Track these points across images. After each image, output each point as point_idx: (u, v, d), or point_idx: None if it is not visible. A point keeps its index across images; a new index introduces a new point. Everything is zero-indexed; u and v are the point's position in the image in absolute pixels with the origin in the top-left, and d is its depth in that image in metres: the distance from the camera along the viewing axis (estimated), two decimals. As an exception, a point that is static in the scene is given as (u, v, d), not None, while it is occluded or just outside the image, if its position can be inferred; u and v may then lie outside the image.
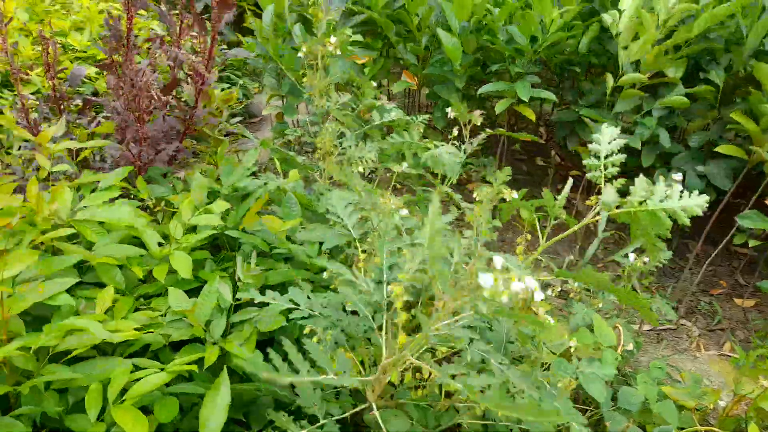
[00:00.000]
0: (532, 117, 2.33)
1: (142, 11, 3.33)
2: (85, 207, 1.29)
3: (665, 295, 2.27)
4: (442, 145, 1.47)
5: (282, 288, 1.33)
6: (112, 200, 1.36)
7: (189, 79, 1.56)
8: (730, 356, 2.00)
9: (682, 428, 1.43)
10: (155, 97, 1.31)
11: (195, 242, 1.34)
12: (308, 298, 1.20)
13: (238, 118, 2.38)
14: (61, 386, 1.02)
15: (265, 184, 1.55)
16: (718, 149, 2.04)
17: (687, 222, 0.91)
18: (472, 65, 2.52)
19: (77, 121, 1.60)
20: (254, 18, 2.44)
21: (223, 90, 2.46)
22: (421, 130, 1.80)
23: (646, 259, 1.55)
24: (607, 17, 2.17)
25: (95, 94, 2.63)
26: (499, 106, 2.37)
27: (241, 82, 3.29)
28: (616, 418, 1.42)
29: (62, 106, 1.50)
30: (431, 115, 2.61)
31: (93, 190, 1.38)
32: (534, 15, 2.20)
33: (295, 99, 2.43)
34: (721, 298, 2.30)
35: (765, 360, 1.60)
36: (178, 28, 1.50)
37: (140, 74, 1.28)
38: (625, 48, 2.16)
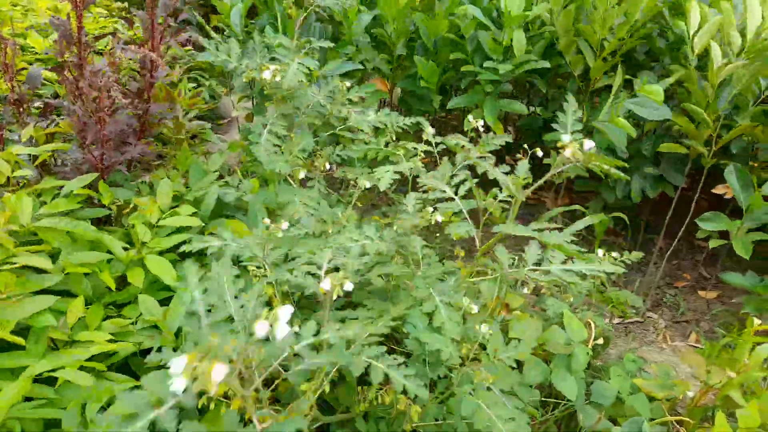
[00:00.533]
0: (501, 131, 2.36)
1: (102, 9, 3.24)
2: (48, 215, 1.25)
3: (632, 289, 2.33)
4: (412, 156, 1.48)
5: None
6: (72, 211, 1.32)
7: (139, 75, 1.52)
8: (695, 347, 2.06)
9: (653, 419, 1.46)
10: (116, 98, 1.27)
11: (166, 245, 1.31)
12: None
13: (206, 122, 2.34)
14: (41, 416, 0.98)
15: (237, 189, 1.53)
16: (661, 148, 2.12)
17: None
18: (447, 78, 2.54)
19: (38, 124, 1.54)
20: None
21: (190, 90, 2.42)
22: (393, 137, 1.80)
23: (615, 254, 1.59)
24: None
25: (56, 96, 2.55)
26: (467, 123, 2.40)
27: (208, 84, 3.23)
28: (588, 411, 1.45)
29: (22, 109, 1.44)
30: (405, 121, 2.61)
31: (55, 195, 1.33)
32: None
33: (266, 100, 2.40)
34: (686, 291, 2.37)
35: (729, 350, 1.65)
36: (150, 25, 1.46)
37: (99, 74, 1.24)
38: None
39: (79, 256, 1.22)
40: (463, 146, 1.54)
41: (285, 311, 0.73)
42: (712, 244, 2.02)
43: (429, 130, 1.74)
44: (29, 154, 1.48)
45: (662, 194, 2.39)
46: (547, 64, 2.28)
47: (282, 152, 1.55)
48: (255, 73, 1.45)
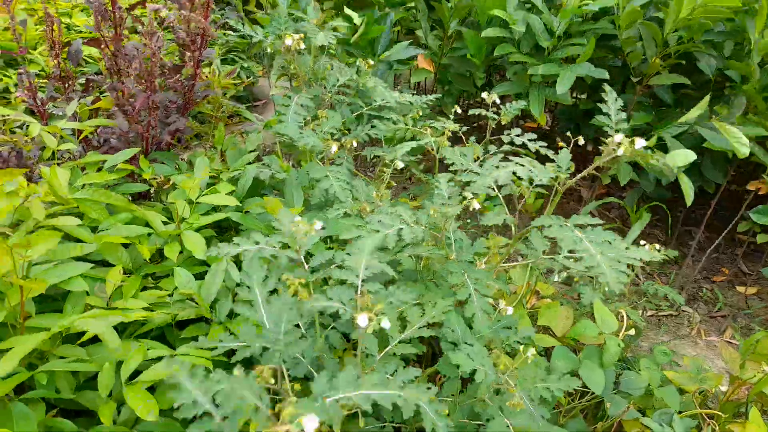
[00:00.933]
0: (544, 123, 2.30)
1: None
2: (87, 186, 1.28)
3: (667, 282, 2.28)
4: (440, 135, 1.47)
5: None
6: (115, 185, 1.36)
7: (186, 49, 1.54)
8: (730, 342, 2.01)
9: (682, 412, 1.44)
10: (166, 65, 1.30)
11: (204, 222, 1.34)
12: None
13: (243, 102, 2.37)
14: (74, 369, 1.02)
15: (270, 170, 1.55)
16: (706, 144, 2.04)
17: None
18: (493, 59, 2.49)
19: (81, 99, 1.59)
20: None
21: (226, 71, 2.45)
22: (421, 114, 1.78)
23: (658, 247, 1.55)
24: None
25: (98, 73, 2.62)
26: (506, 115, 2.35)
27: (245, 65, 3.27)
28: (616, 400, 1.43)
29: (67, 85, 1.49)
30: (439, 98, 2.58)
31: (98, 170, 1.38)
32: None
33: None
34: (723, 286, 2.31)
35: (758, 344, 1.61)
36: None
37: (154, 38, 1.26)
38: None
39: (121, 229, 1.26)
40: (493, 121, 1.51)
41: (310, 423, 0.70)
42: (761, 239, 1.95)
43: (451, 115, 1.71)
44: (73, 129, 1.53)
45: (701, 190, 2.32)
46: (605, 74, 2.16)
47: (312, 129, 1.56)
48: (277, 41, 1.42)
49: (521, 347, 1.19)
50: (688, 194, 1.54)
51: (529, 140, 1.40)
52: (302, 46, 1.41)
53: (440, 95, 2.35)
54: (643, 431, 1.35)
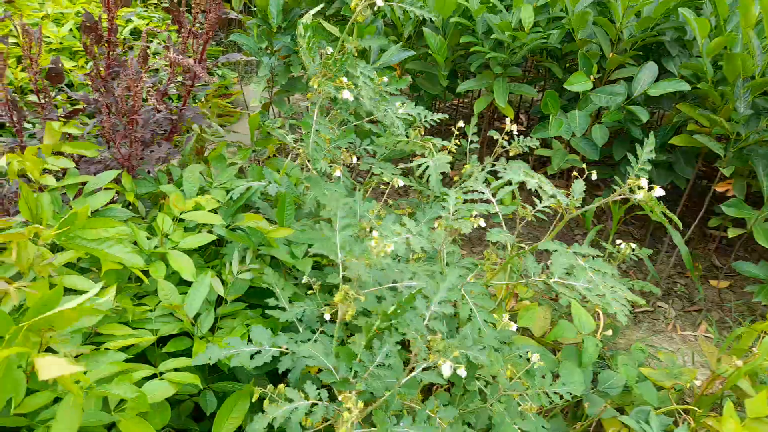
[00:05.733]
0: (511, 115, 2.37)
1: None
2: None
3: (642, 278, 2.34)
4: (438, 150, 1.48)
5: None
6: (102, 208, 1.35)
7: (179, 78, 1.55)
8: (706, 336, 2.08)
9: (660, 407, 1.49)
10: (153, 105, 1.31)
11: (192, 243, 1.34)
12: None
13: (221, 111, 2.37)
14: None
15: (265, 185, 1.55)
16: (674, 141, 2.12)
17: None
18: (455, 59, 2.54)
19: (62, 118, 1.58)
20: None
21: (216, 85, 2.45)
22: (422, 132, 1.80)
23: (633, 246, 1.60)
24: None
25: (69, 86, 2.59)
26: (478, 106, 2.41)
27: (220, 72, 3.26)
28: (595, 400, 1.48)
29: (44, 102, 1.48)
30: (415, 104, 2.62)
31: (79, 190, 1.37)
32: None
33: (289, 90, 2.43)
34: (697, 280, 2.38)
35: (740, 340, 1.67)
36: (186, 30, 1.49)
37: (137, 79, 1.27)
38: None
39: (111, 249, 1.24)
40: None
41: None
42: (732, 233, 2.02)
43: (467, 129, 1.73)
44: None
45: (673, 185, 2.39)
46: (533, 92, 2.34)
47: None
48: (325, 90, 1.37)
49: (528, 353, 1.25)
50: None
51: (539, 187, 1.44)
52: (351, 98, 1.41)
53: (415, 100, 2.38)
54: (622, 429, 1.40)
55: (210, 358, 1.09)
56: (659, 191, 1.14)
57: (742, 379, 1.48)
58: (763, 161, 1.99)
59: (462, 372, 0.92)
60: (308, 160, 1.51)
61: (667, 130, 2.31)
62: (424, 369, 0.98)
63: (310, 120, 1.28)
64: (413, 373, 0.98)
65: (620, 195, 1.19)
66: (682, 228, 2.30)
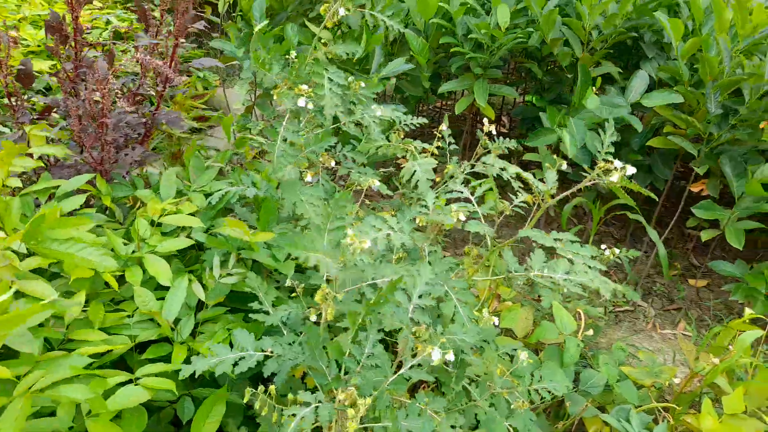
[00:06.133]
0: (492, 116, 2.39)
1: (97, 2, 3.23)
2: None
3: (623, 278, 2.36)
4: (421, 156, 1.48)
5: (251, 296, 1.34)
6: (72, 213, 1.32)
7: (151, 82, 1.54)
8: (685, 335, 2.11)
9: (640, 405, 1.51)
10: (121, 106, 1.29)
11: (170, 247, 1.32)
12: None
13: (201, 114, 2.34)
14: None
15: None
16: (651, 142, 2.15)
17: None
18: (438, 61, 2.56)
19: (36, 120, 1.55)
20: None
21: (184, 84, 2.42)
22: (402, 135, 1.79)
23: (617, 251, 1.61)
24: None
25: (48, 89, 2.55)
26: (459, 106, 2.42)
27: (201, 74, 3.23)
28: (576, 399, 1.49)
29: (16, 106, 1.45)
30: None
31: (50, 197, 1.35)
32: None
33: (267, 94, 2.41)
34: (676, 279, 2.41)
35: (717, 338, 1.69)
36: (155, 29, 1.47)
37: (104, 82, 1.25)
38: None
39: (83, 253, 1.22)
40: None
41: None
42: (705, 236, 2.04)
43: (445, 132, 1.73)
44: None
45: (652, 186, 2.42)
46: (514, 93, 2.38)
47: (290, 148, 1.54)
48: (288, 100, 1.36)
49: (516, 352, 1.26)
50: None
51: (510, 177, 1.45)
52: (311, 106, 1.39)
53: (400, 105, 2.38)
54: (604, 428, 1.41)
55: (195, 371, 1.07)
56: (631, 169, 1.15)
57: (719, 377, 1.50)
58: (731, 162, 2.03)
59: (450, 356, 0.94)
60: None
61: (645, 132, 2.34)
62: (412, 367, 0.99)
63: (278, 127, 1.27)
64: (402, 370, 0.98)
65: (591, 180, 1.20)
66: (658, 226, 2.33)
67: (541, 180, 1.31)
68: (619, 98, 2.20)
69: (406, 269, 1.15)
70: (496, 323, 1.27)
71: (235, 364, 1.07)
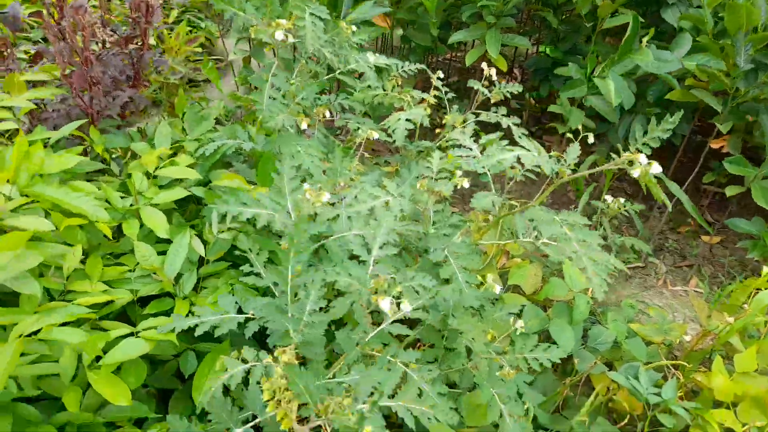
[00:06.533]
0: (504, 67, 2.29)
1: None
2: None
3: (635, 234, 2.31)
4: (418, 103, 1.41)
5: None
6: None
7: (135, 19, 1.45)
8: (696, 291, 2.07)
9: (649, 363, 1.48)
10: (104, 39, 1.22)
11: (165, 200, 1.28)
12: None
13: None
14: (38, 373, 0.99)
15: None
16: (670, 96, 2.06)
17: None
18: (448, 9, 2.44)
19: (28, 68, 1.50)
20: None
21: (186, 34, 2.34)
22: (399, 83, 1.71)
23: (622, 200, 1.56)
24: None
25: (45, 39, 2.47)
26: (469, 57, 2.33)
27: (203, 25, 3.13)
28: (584, 356, 1.47)
29: (6, 53, 1.39)
30: (408, 60, 2.54)
31: (45, 145, 1.30)
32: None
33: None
34: (689, 236, 2.35)
35: (732, 296, 1.65)
36: None
37: (82, 11, 1.18)
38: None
39: (78, 201, 1.19)
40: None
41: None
42: (730, 192, 1.97)
43: (436, 80, 1.65)
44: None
45: (668, 141, 2.33)
46: (527, 43, 2.22)
47: (284, 99, 1.49)
48: (263, 34, 1.31)
49: (511, 319, 1.21)
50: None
51: (514, 124, 1.37)
52: (291, 40, 1.32)
53: (406, 54, 2.29)
54: (611, 385, 1.39)
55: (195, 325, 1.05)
56: (656, 167, 1.09)
57: (733, 336, 1.47)
58: (768, 117, 1.93)
59: (406, 307, 0.91)
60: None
61: (664, 84, 2.24)
62: (394, 323, 0.95)
63: (265, 73, 1.21)
64: (382, 326, 0.95)
65: (616, 165, 1.14)
66: (673, 182, 2.26)
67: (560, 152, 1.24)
68: (668, 54, 2.07)
69: (410, 229, 1.12)
70: (500, 289, 1.23)
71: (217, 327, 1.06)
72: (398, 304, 0.94)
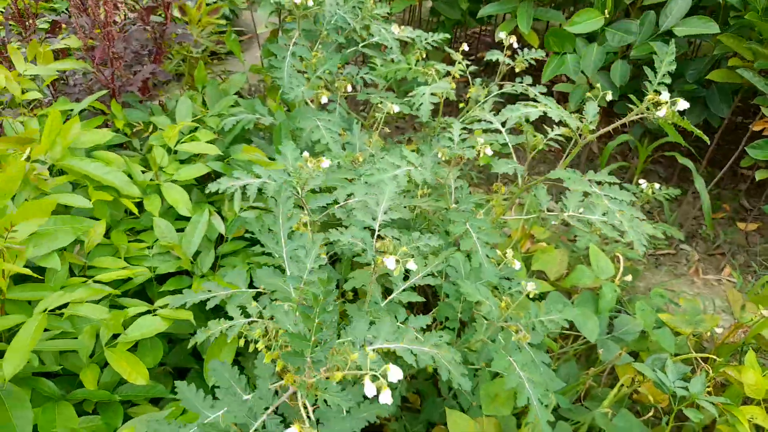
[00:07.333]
0: (536, 43, 2.20)
1: None
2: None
3: (667, 220, 2.24)
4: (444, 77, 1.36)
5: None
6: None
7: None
8: (729, 281, 1.99)
9: (677, 354, 1.43)
10: (121, 9, 1.20)
11: (185, 177, 1.27)
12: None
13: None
14: (60, 348, 1.00)
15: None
16: (711, 76, 1.95)
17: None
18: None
19: (47, 39, 1.48)
20: None
21: (208, 5, 2.30)
22: (425, 55, 1.66)
23: (657, 186, 1.50)
24: None
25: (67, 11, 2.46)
26: (501, 29, 2.24)
27: (228, -5, 3.08)
28: (609, 346, 1.42)
29: (27, 23, 1.38)
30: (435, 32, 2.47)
31: (67, 118, 1.29)
32: None
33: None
34: (724, 222, 2.27)
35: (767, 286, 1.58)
36: None
37: None
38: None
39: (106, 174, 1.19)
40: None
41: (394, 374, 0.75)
42: (760, 175, 1.89)
43: (458, 54, 1.59)
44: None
45: (706, 123, 2.23)
46: (560, 17, 2.12)
47: (305, 71, 1.45)
48: None
49: (522, 282, 1.18)
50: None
51: (540, 93, 1.32)
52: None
53: (435, 28, 2.22)
54: (637, 377, 1.34)
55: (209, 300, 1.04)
56: (683, 103, 1.03)
57: (767, 329, 1.41)
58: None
59: (411, 265, 0.91)
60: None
61: (704, 63, 2.13)
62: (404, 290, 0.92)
63: (286, 41, 1.18)
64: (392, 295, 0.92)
65: (637, 114, 1.09)
66: (710, 166, 2.17)
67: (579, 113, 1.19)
68: (634, 25, 1.98)
69: (430, 203, 1.10)
70: (518, 266, 1.20)
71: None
72: (406, 270, 0.94)
